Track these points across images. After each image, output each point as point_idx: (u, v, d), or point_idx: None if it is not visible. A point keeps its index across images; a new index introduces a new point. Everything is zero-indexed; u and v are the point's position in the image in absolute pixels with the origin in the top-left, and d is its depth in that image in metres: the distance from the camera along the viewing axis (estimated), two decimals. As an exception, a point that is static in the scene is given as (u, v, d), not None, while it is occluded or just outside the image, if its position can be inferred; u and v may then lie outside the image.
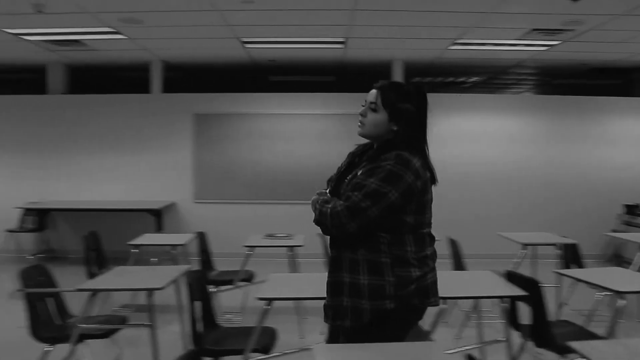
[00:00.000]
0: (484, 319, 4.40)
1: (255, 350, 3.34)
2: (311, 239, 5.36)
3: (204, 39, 7.56)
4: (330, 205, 2.28)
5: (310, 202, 2.44)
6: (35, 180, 9.18)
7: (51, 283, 3.94)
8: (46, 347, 3.66)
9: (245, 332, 3.55)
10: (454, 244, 5.09)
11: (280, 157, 8.91)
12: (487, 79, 10.95)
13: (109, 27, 6.90)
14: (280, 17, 6.47)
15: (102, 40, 7.57)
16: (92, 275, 5.04)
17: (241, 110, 8.86)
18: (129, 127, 9.12)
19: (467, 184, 8.98)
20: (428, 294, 2.34)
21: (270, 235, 5.47)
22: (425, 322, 4.01)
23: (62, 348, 3.67)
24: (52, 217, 9.15)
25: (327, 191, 2.46)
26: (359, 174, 2.34)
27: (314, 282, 3.82)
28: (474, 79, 10.98)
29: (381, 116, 2.37)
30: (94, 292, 3.56)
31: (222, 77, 10.44)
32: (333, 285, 2.37)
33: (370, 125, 2.40)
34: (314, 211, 2.36)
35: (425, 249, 2.37)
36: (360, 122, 2.43)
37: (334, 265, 2.38)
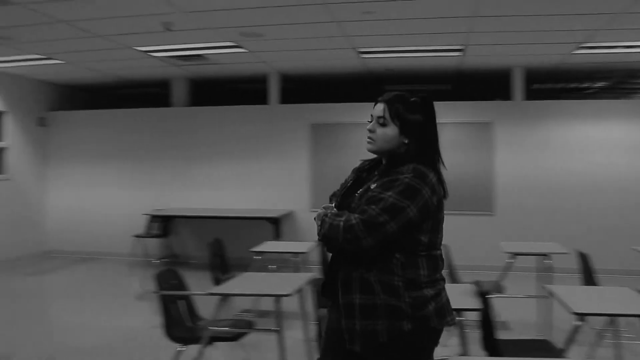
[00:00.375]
0: (620, 339, 4.14)
1: None
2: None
3: (321, 50, 7.67)
4: (343, 219, 2.16)
5: (315, 216, 2.32)
6: (161, 189, 9.70)
7: (182, 286, 4.12)
8: (179, 347, 3.83)
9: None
10: (584, 258, 4.83)
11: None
12: (614, 83, 10.35)
13: (230, 41, 7.17)
14: (398, 26, 6.44)
15: (224, 54, 7.87)
16: (217, 281, 5.22)
17: (357, 120, 8.84)
18: (248, 138, 9.42)
19: (595, 194, 8.49)
20: (445, 313, 2.24)
21: (390, 245, 5.43)
22: (559, 340, 3.83)
23: (192, 349, 3.83)
24: (175, 224, 9.60)
25: (333, 206, 2.35)
26: (372, 187, 2.24)
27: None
28: (600, 84, 10.42)
29: (391, 130, 2.28)
30: (225, 296, 3.68)
31: (337, 87, 10.56)
32: (346, 307, 2.25)
33: (381, 141, 2.30)
34: (320, 225, 2.24)
35: (437, 273, 2.27)
36: (370, 138, 2.33)
37: (345, 286, 2.25)
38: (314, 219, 2.33)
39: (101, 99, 11.47)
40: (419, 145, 2.26)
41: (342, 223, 2.14)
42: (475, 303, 3.30)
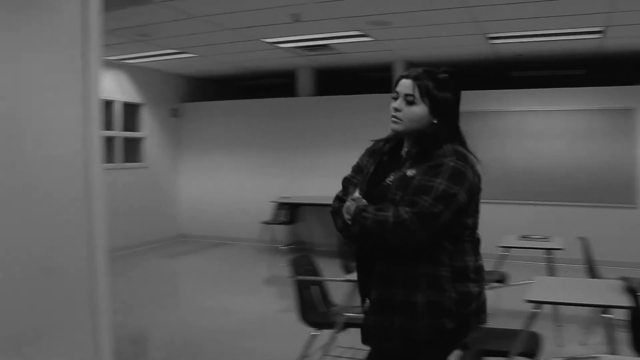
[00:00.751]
0: None
1: (521, 354, 3.21)
2: (570, 243, 5.03)
3: (448, 37, 7.50)
4: (390, 214, 1.98)
5: (340, 208, 2.15)
6: (287, 176, 9.93)
7: (316, 272, 4.18)
8: (313, 332, 3.90)
9: (507, 334, 3.42)
10: None
11: (528, 155, 8.49)
12: None
13: (357, 30, 7.17)
14: (532, 9, 6.15)
15: (350, 43, 7.90)
16: (346, 268, 5.25)
17: (484, 108, 8.60)
18: (372, 126, 9.26)
19: None
20: (481, 312, 2.14)
21: (525, 237, 5.24)
22: None
23: (325, 333, 3.89)
24: (301, 211, 9.80)
25: (360, 196, 2.14)
26: (408, 173, 2.08)
27: (578, 287, 3.57)
28: None
29: (420, 109, 2.11)
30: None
31: (463, 74, 10.26)
32: (381, 303, 2.11)
33: (409, 120, 2.13)
34: (353, 219, 2.06)
35: (479, 257, 2.16)
36: (395, 118, 2.14)
37: (383, 281, 2.10)
38: (335, 211, 2.18)
39: (229, 90, 11.91)
40: (449, 125, 2.14)
41: (391, 218, 1.97)
42: (624, 300, 3.11)
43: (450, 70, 2.17)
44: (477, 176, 2.11)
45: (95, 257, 2.91)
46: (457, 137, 2.16)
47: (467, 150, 2.15)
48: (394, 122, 2.16)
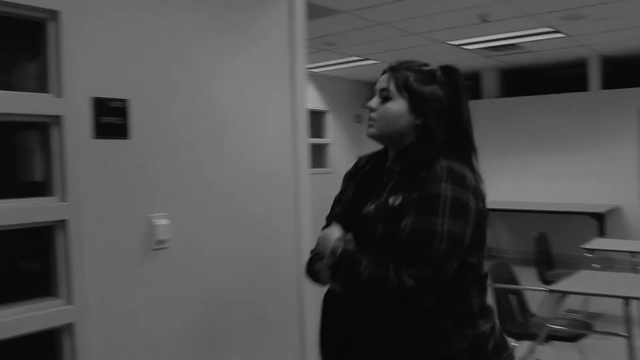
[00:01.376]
0: None
1: None
2: None
3: (653, 27, 6.89)
4: (391, 276, 1.48)
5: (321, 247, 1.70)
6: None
7: (515, 280, 4.05)
8: (513, 342, 3.77)
9: None
10: None
11: None
12: None
13: (548, 27, 6.84)
14: None
15: (539, 41, 7.55)
16: (542, 276, 5.02)
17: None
18: (564, 127, 8.91)
19: None
20: (501, 350, 1.70)
21: None
22: None
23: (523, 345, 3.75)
24: (490, 217, 9.51)
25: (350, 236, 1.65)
26: (390, 202, 1.59)
27: None
28: None
29: (396, 105, 1.68)
30: (565, 294, 3.52)
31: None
32: None
33: (384, 120, 1.69)
34: (340, 266, 1.58)
35: (485, 296, 1.71)
36: (370, 119, 1.72)
37: (370, 341, 1.64)
38: (314, 258, 1.79)
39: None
40: (438, 129, 1.68)
41: (394, 283, 1.48)
42: None
43: (447, 65, 1.76)
44: (482, 200, 1.67)
45: (302, 260, 3.04)
46: (456, 147, 1.72)
47: (470, 166, 1.71)
48: (369, 126, 1.75)
